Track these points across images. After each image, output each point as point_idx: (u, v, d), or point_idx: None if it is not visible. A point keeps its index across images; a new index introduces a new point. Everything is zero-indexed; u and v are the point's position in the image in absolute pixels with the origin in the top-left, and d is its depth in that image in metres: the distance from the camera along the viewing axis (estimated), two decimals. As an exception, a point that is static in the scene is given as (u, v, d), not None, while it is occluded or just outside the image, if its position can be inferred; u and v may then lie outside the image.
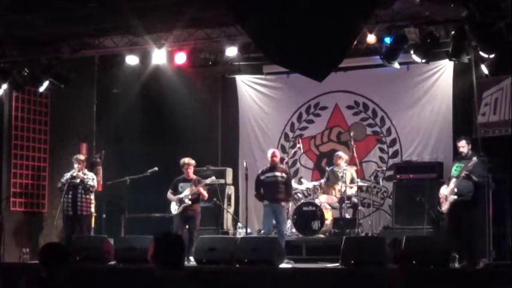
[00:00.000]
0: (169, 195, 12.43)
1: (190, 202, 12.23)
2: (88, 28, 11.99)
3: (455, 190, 10.81)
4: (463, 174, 10.74)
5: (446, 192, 10.93)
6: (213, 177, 12.71)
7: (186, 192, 12.27)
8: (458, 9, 10.29)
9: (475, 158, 10.75)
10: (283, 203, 12.17)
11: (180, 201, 12.25)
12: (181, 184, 12.40)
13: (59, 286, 5.31)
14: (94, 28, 12.00)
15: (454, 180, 10.89)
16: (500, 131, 12.26)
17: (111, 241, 11.92)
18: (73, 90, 13.16)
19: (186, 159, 12.47)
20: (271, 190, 12.13)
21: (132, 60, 12.91)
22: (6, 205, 13.10)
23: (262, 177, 12.24)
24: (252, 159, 14.58)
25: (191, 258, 11.70)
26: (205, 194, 12.43)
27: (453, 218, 10.89)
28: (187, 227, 12.28)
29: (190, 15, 10.92)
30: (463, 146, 11.09)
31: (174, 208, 12.33)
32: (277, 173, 12.19)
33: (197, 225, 12.29)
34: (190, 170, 12.45)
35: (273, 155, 12.31)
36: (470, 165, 10.67)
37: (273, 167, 12.23)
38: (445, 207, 10.95)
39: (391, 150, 13.93)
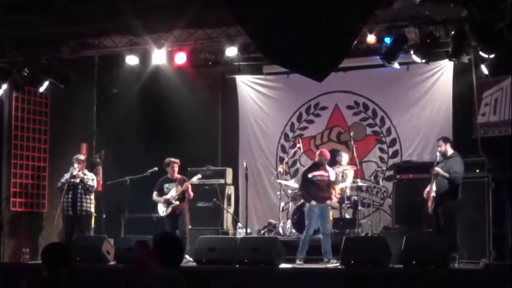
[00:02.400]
0: (155, 196, 12.33)
1: (177, 202, 12.17)
2: (88, 28, 11.98)
3: (434, 187, 10.96)
4: (433, 172, 10.96)
5: (427, 192, 11.09)
6: (199, 175, 12.54)
7: (173, 193, 12.20)
8: (458, 9, 10.28)
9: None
10: (328, 202, 11.88)
11: (168, 202, 12.20)
12: (166, 185, 12.32)
13: (61, 286, 5.32)
14: (94, 28, 11.99)
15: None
16: (500, 131, 12.27)
17: (111, 241, 11.92)
18: (73, 90, 13.15)
19: (171, 159, 12.37)
20: (320, 190, 11.87)
21: (132, 60, 12.91)
22: (6, 205, 13.10)
23: (310, 176, 11.86)
24: (252, 159, 14.60)
25: (187, 256, 11.73)
26: (191, 193, 12.31)
27: (435, 215, 10.98)
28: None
29: (190, 15, 10.91)
30: (440, 146, 11.21)
31: (162, 210, 12.25)
32: (323, 172, 11.89)
33: (187, 223, 12.20)
34: (175, 170, 12.38)
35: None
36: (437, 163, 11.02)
37: (318, 166, 11.95)
38: (430, 207, 11.02)
39: (391, 150, 13.94)
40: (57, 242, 9.88)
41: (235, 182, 14.34)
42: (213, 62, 13.61)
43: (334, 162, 13.33)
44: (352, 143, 13.11)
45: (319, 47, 5.23)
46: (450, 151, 11.09)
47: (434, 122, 13.45)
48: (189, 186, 12.25)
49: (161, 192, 12.30)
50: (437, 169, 10.94)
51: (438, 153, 11.20)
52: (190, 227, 12.37)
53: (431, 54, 11.36)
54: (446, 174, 10.84)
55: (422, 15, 10.88)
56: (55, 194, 13.12)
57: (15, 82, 12.74)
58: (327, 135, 14.49)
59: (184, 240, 11.95)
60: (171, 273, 4.75)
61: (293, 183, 13.53)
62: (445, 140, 11.33)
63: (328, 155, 11.98)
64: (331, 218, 12.15)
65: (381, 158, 13.97)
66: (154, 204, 12.89)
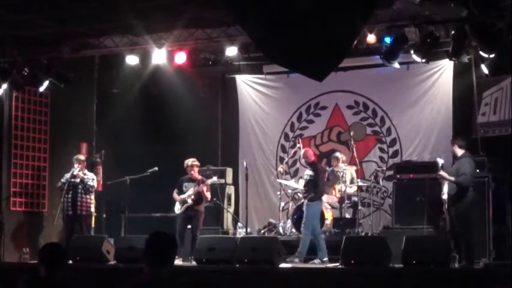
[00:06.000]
0: (175, 195, 12.39)
1: (192, 202, 12.19)
2: (88, 28, 11.98)
3: (446, 189, 10.95)
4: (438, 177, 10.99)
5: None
6: (215, 178, 12.62)
7: (189, 192, 12.23)
8: (458, 9, 10.28)
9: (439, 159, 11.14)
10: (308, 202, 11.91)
11: (183, 201, 12.23)
12: (185, 184, 12.37)
13: (59, 286, 5.31)
14: (94, 28, 11.99)
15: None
16: (500, 131, 12.26)
17: (111, 241, 11.93)
18: (73, 90, 13.15)
19: (190, 161, 12.38)
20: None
21: (132, 60, 12.89)
22: (6, 205, 13.09)
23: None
24: (252, 159, 14.60)
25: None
26: (207, 195, 12.34)
27: (449, 216, 10.96)
28: (189, 226, 12.26)
29: (190, 15, 10.91)
30: (451, 147, 11.22)
31: (177, 208, 12.31)
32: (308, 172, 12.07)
33: (199, 225, 12.24)
34: (194, 171, 12.41)
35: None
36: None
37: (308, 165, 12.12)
38: (445, 206, 11.03)
39: (391, 150, 13.94)
40: (55, 242, 9.86)
41: (235, 182, 14.34)
42: (213, 61, 13.60)
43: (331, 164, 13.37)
44: (352, 142, 13.11)
45: (319, 47, 5.23)
46: (460, 152, 10.95)
47: (434, 122, 13.45)
48: (205, 188, 12.26)
49: (181, 191, 12.35)
50: (442, 173, 10.87)
51: (454, 153, 11.15)
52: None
53: (431, 54, 11.35)
54: (452, 178, 10.74)
55: (422, 15, 10.87)
56: (55, 194, 13.12)
57: (15, 82, 12.73)
58: (327, 135, 14.49)
59: (194, 243, 11.95)
60: (157, 273, 4.73)
61: (293, 183, 13.53)
62: (452, 141, 11.27)
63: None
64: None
65: (381, 158, 13.97)
66: (156, 204, 12.92)
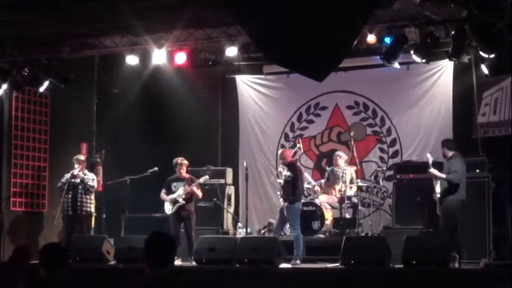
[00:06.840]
0: (163, 195, 12.32)
1: (184, 202, 12.15)
2: (88, 28, 11.98)
3: (438, 189, 10.97)
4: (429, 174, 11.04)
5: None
6: (207, 176, 12.58)
7: (180, 192, 12.18)
8: (458, 9, 10.29)
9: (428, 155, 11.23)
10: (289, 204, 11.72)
11: (174, 201, 12.18)
12: (174, 183, 12.30)
13: (58, 286, 5.31)
14: (94, 28, 11.99)
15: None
16: (500, 131, 12.26)
17: (111, 241, 11.93)
18: (73, 90, 13.15)
19: (179, 159, 12.35)
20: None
21: (132, 60, 12.90)
22: (6, 205, 13.10)
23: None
24: (252, 159, 14.59)
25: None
26: (199, 193, 12.30)
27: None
28: (183, 226, 12.23)
29: (190, 15, 10.92)
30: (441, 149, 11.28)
31: (168, 208, 12.25)
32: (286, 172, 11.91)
33: (193, 225, 12.20)
34: (183, 170, 12.35)
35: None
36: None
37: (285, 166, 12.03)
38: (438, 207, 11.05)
39: (391, 150, 13.94)
40: (54, 242, 9.86)
41: (235, 182, 14.34)
42: (213, 62, 13.60)
43: (332, 163, 13.35)
44: (352, 143, 13.10)
45: (320, 47, 5.24)
46: (450, 153, 11.06)
47: (434, 122, 13.45)
48: (196, 187, 12.22)
49: (169, 191, 12.29)
50: (432, 171, 10.91)
51: (443, 154, 11.21)
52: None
53: (431, 54, 11.36)
54: (443, 176, 10.81)
55: (422, 15, 10.87)
56: (55, 194, 13.12)
57: (15, 82, 12.74)
58: (327, 135, 14.49)
59: (190, 242, 11.94)
60: (157, 273, 4.73)
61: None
62: (442, 142, 11.34)
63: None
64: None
65: (381, 158, 13.97)
66: (156, 204, 12.89)
